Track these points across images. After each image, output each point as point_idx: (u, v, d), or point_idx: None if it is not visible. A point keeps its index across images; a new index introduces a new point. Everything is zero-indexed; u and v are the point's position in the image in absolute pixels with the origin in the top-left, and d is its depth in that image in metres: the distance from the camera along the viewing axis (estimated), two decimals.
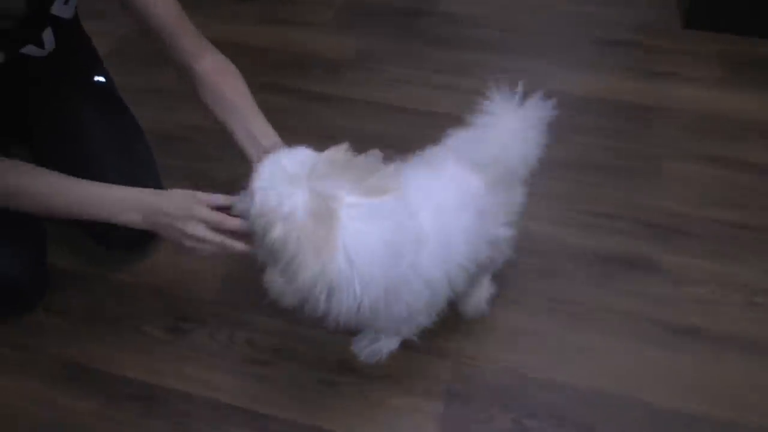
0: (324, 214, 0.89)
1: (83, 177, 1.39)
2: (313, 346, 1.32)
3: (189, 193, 1.12)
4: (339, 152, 0.96)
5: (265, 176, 0.94)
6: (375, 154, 0.97)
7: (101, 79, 1.56)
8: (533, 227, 1.55)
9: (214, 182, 1.71)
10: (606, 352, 1.31)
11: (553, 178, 1.68)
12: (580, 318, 1.38)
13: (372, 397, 1.25)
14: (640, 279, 1.45)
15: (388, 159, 0.99)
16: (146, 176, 1.45)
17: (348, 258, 0.90)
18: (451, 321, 1.36)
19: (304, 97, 2.01)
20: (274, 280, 0.93)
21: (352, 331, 1.31)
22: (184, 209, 1.08)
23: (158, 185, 1.50)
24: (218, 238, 1.09)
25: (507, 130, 1.08)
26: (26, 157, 1.43)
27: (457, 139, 1.14)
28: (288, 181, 0.92)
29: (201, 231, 1.08)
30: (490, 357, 1.31)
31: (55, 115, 1.43)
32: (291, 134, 1.90)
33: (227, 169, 1.74)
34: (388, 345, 1.28)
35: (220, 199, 1.13)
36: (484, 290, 1.35)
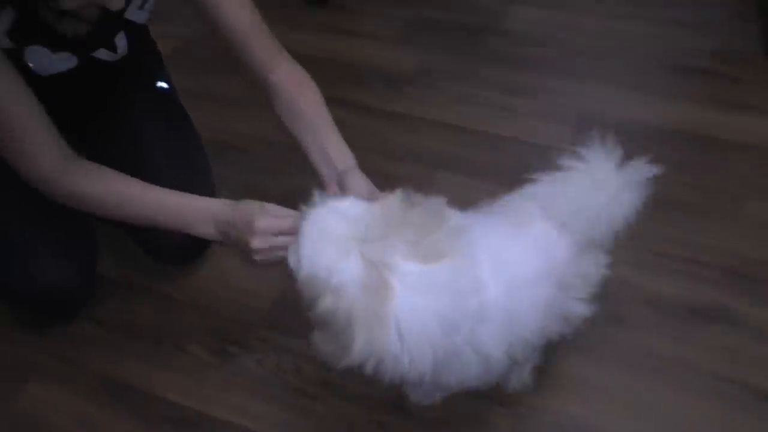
0: (377, 285, 0.79)
1: (137, 166, 1.35)
2: (364, 381, 1.24)
3: (257, 204, 1.04)
4: (393, 204, 0.85)
5: (312, 237, 0.84)
6: (437, 202, 0.86)
7: (164, 85, 1.53)
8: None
9: (266, 195, 1.62)
10: (683, 414, 1.20)
11: None
12: (654, 372, 1.27)
13: None
14: (724, 333, 1.33)
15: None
16: (202, 186, 1.40)
17: (399, 333, 0.80)
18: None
19: (363, 112, 1.95)
20: (321, 342, 0.84)
21: None
22: (247, 222, 1.01)
23: (212, 195, 1.45)
24: (284, 240, 0.99)
25: (604, 186, 0.98)
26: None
27: (544, 188, 1.01)
28: (337, 246, 0.81)
29: (263, 242, 1.00)
30: (553, 408, 1.22)
31: (115, 119, 1.40)
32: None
33: (282, 183, 1.69)
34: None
35: (287, 212, 1.04)
36: (530, 360, 1.22)
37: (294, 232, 0.93)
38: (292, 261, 0.89)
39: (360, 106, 1.96)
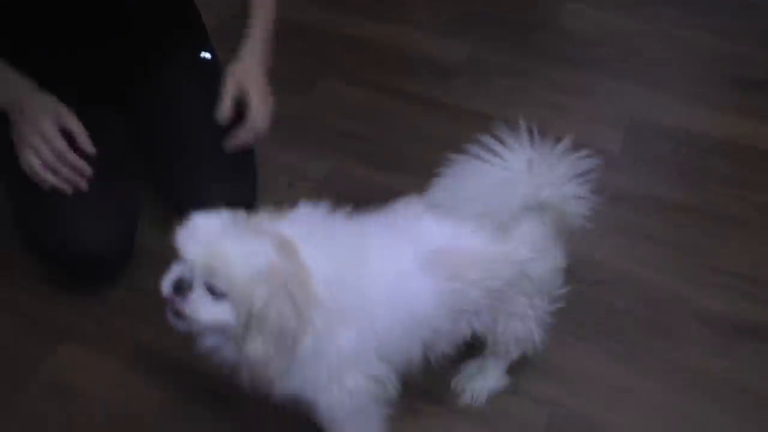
0: (294, 257, 0.81)
1: (176, 150, 1.36)
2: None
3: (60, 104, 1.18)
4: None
5: (211, 236, 0.80)
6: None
7: (207, 55, 1.51)
8: (654, 278, 1.41)
9: (308, 177, 1.65)
10: (720, 428, 1.17)
11: (680, 226, 1.54)
12: (696, 388, 1.23)
13: None
14: None
15: None
16: (242, 160, 1.40)
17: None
18: (545, 364, 1.25)
19: (408, 99, 1.92)
20: (255, 349, 0.82)
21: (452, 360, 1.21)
22: (52, 108, 1.17)
23: (253, 168, 1.46)
24: (61, 143, 1.15)
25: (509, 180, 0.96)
26: (121, 128, 1.40)
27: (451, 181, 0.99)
28: (242, 236, 0.81)
29: (51, 132, 1.14)
30: (590, 413, 1.19)
31: (156, 87, 1.40)
32: (389, 134, 1.85)
33: (324, 166, 1.68)
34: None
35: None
36: (489, 380, 1.20)
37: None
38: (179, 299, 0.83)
39: (405, 93, 1.94)
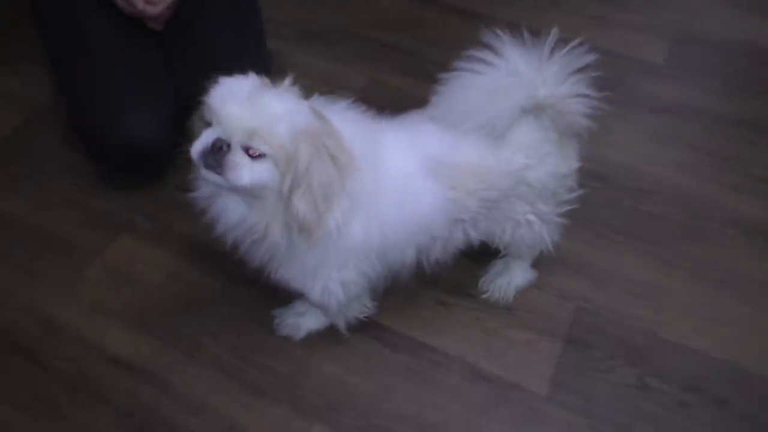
0: (328, 122, 0.84)
1: (195, 46, 1.39)
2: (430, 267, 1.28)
3: None
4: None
5: (248, 97, 0.82)
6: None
7: None
8: (693, 185, 1.41)
9: (346, 86, 1.67)
10: (752, 328, 1.19)
11: (722, 136, 1.52)
12: (727, 286, 1.25)
13: (487, 325, 1.20)
14: None
15: None
16: (256, 50, 1.43)
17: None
18: (575, 262, 1.28)
19: (446, 10, 1.91)
20: (304, 207, 0.84)
21: (468, 254, 1.25)
22: None
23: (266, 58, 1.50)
24: None
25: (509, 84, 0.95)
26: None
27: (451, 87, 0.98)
28: (281, 95, 0.84)
29: None
30: (618, 309, 1.22)
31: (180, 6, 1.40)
32: (427, 45, 1.84)
33: (363, 76, 1.70)
34: (310, 323, 1.18)
35: None
36: (515, 276, 1.23)
37: None
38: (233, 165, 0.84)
39: (444, 4, 1.92)
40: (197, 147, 0.83)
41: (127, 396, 1.13)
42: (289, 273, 0.98)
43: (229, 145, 0.81)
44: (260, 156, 0.81)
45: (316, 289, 1.00)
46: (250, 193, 0.86)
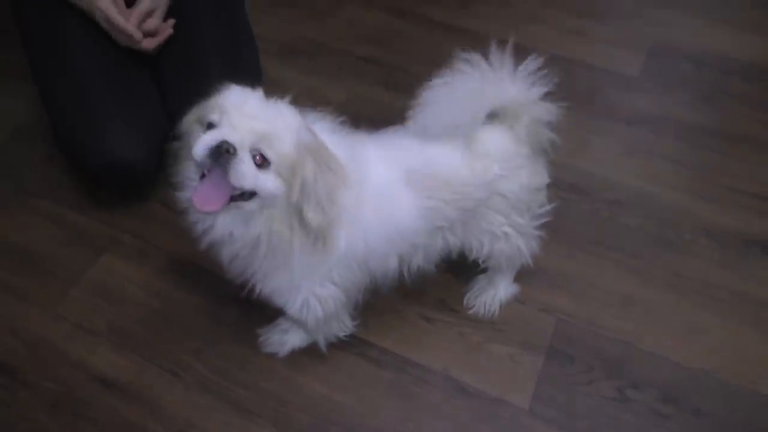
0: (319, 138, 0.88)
1: (185, 62, 1.40)
2: (415, 281, 1.30)
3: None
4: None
5: (258, 106, 0.84)
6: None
7: None
8: (669, 196, 1.44)
9: (328, 101, 1.68)
10: (725, 338, 1.23)
11: (693, 145, 1.55)
12: (701, 296, 1.28)
13: (470, 340, 1.22)
14: None
15: None
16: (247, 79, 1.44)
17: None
18: (554, 275, 1.30)
19: (428, 25, 1.92)
20: (315, 216, 0.87)
21: (452, 269, 1.28)
22: None
23: (255, 55, 1.52)
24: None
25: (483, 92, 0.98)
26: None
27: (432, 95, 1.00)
28: (290, 110, 0.86)
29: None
30: (598, 321, 1.25)
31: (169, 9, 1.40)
32: (410, 59, 1.86)
33: (345, 91, 1.71)
34: (294, 340, 1.20)
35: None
36: (499, 291, 1.25)
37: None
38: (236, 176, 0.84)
39: (424, 18, 1.94)
40: (200, 147, 0.81)
41: (112, 416, 1.13)
42: (273, 285, 1.00)
43: (235, 149, 0.81)
44: (265, 165, 0.83)
45: (297, 303, 1.02)
46: (256, 204, 0.87)
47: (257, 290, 1.01)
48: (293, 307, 1.03)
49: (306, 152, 0.84)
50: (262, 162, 0.83)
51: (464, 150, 1.00)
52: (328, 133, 0.93)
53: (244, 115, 0.82)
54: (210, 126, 0.84)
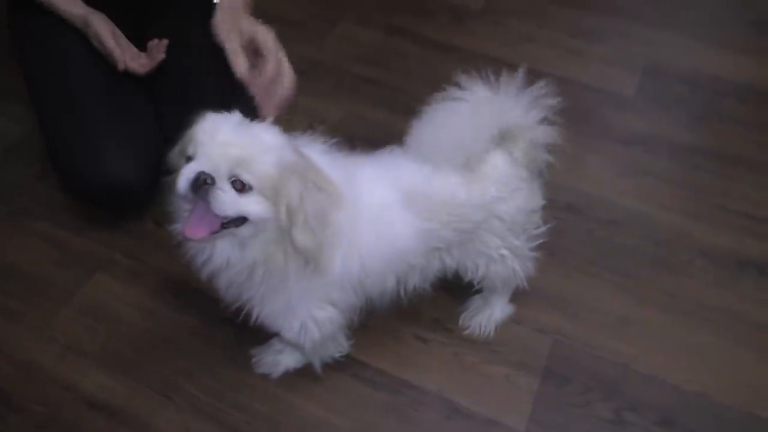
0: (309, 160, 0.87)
1: (182, 86, 1.40)
2: (410, 300, 1.29)
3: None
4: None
5: (234, 132, 0.83)
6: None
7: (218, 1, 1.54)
8: (664, 217, 1.45)
9: (325, 121, 1.69)
10: (722, 360, 1.22)
11: (688, 166, 1.56)
12: (697, 317, 1.28)
13: (465, 361, 1.22)
14: None
15: None
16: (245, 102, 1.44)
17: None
18: (550, 295, 1.30)
19: (424, 44, 1.94)
20: (305, 239, 0.86)
21: (446, 288, 1.27)
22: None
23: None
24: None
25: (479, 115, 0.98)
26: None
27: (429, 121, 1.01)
28: (269, 131, 0.86)
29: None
30: (593, 342, 1.24)
31: (164, 29, 1.42)
32: (405, 78, 1.87)
33: (342, 110, 1.71)
34: (288, 361, 1.19)
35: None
36: (496, 311, 1.25)
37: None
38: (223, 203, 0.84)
39: (422, 38, 1.95)
40: (181, 180, 0.82)
41: None
42: (270, 310, 0.99)
43: (213, 179, 0.81)
44: (247, 189, 0.82)
45: (294, 327, 1.01)
46: (249, 229, 0.86)
47: (254, 316, 1.00)
48: (290, 331, 1.02)
49: (290, 172, 0.83)
50: (242, 187, 0.82)
51: (462, 172, 0.99)
52: (320, 154, 0.92)
53: (217, 144, 0.82)
54: (189, 159, 0.84)
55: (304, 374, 1.18)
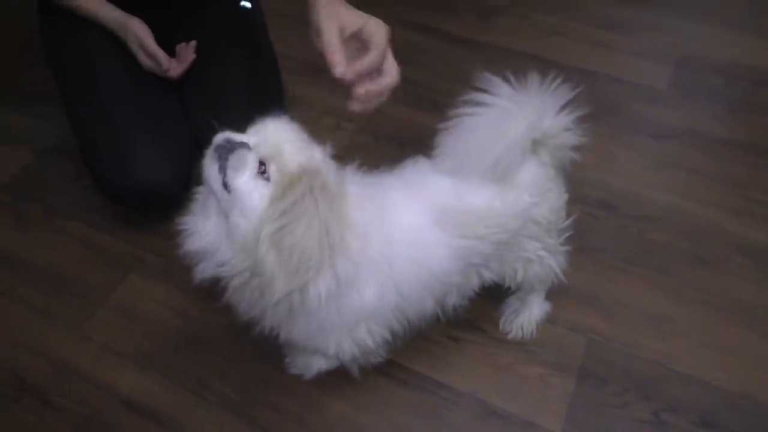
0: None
1: (208, 93, 1.40)
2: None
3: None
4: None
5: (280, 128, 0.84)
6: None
7: (247, 4, 1.54)
8: (694, 209, 1.41)
9: (353, 119, 1.68)
10: (763, 358, 1.19)
11: (723, 159, 1.52)
12: (735, 315, 1.25)
13: (499, 361, 1.20)
14: None
15: None
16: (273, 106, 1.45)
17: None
18: (584, 294, 1.28)
19: (451, 40, 1.92)
20: (260, 250, 0.80)
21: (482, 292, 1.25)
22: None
23: (277, 76, 1.53)
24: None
25: (508, 123, 0.95)
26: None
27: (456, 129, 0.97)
28: (307, 152, 0.84)
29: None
30: (628, 341, 1.22)
31: (194, 34, 1.43)
32: (432, 75, 1.86)
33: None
34: (321, 363, 1.15)
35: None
36: (534, 311, 1.23)
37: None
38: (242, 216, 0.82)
39: (449, 35, 1.94)
40: (215, 140, 0.83)
41: None
42: (297, 335, 0.98)
43: (242, 144, 0.82)
44: (264, 178, 0.81)
45: (330, 347, 0.99)
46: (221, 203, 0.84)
47: (281, 338, 0.99)
48: (327, 351, 1.00)
49: (307, 175, 0.80)
50: (263, 172, 0.81)
51: (493, 181, 0.97)
52: (356, 186, 0.90)
53: (274, 126, 0.83)
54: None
55: (335, 373, 1.17)
